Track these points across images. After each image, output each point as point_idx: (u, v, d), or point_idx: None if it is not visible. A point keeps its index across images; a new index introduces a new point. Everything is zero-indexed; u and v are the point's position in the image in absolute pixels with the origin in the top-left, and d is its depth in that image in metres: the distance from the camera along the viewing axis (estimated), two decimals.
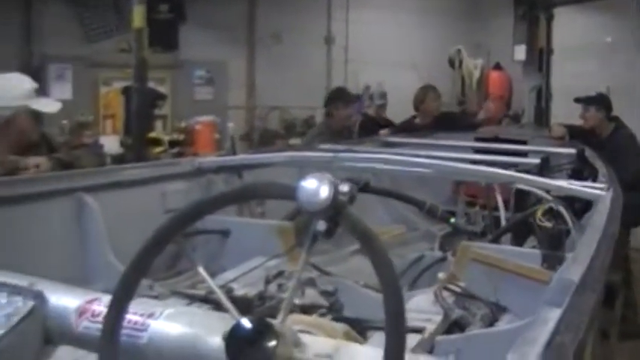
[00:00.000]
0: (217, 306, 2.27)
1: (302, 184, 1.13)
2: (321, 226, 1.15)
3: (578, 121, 6.84)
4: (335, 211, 1.13)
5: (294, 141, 10.09)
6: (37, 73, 9.12)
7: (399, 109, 9.16)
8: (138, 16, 6.30)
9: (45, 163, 3.67)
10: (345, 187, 1.15)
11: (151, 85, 8.04)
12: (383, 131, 6.88)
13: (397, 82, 11.50)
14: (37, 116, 3.80)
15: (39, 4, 10.46)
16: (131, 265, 1.30)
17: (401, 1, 12.69)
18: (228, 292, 2.37)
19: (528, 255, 2.86)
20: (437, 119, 7.49)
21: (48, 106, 3.84)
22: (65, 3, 10.74)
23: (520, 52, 9.73)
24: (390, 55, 12.14)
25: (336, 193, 1.12)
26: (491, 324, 2.57)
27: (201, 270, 1.29)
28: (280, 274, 2.70)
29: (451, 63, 12.27)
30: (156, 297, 2.44)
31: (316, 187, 1.12)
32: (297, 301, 2.24)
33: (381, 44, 12.29)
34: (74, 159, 3.80)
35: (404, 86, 10.39)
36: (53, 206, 3.15)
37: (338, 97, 7.29)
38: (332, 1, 12.51)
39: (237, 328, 1.22)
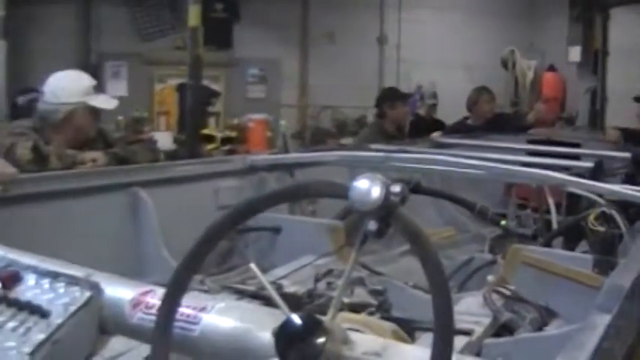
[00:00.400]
0: (267, 302, 2.30)
1: (354, 183, 1.14)
2: (372, 226, 1.16)
3: (633, 125, 6.73)
4: (386, 212, 1.14)
5: (345, 140, 10.07)
6: (94, 70, 9.29)
7: (451, 110, 9.12)
8: (193, 15, 6.38)
9: (101, 157, 3.73)
10: (396, 188, 1.16)
11: (205, 82, 8.12)
12: (435, 134, 6.85)
13: (449, 83, 11.45)
14: (95, 112, 3.85)
15: (97, 3, 10.64)
16: (185, 259, 1.33)
17: (454, 0, 12.62)
18: (278, 289, 2.39)
19: (579, 259, 2.83)
20: (489, 121, 7.43)
21: (105, 102, 3.90)
22: (122, 3, 10.91)
23: (575, 54, 9.61)
24: (443, 55, 12.08)
25: (387, 193, 1.13)
26: (540, 328, 2.55)
27: (253, 266, 1.31)
28: (330, 272, 2.72)
29: (504, 64, 12.16)
30: (207, 292, 2.48)
31: (368, 187, 1.13)
32: (346, 300, 2.26)
33: (434, 44, 12.23)
34: (130, 154, 3.86)
35: (456, 87, 10.34)
36: (109, 200, 3.21)
37: (390, 96, 7.28)
38: (385, 1, 12.49)
39: (287, 324, 1.24)
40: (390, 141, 5.78)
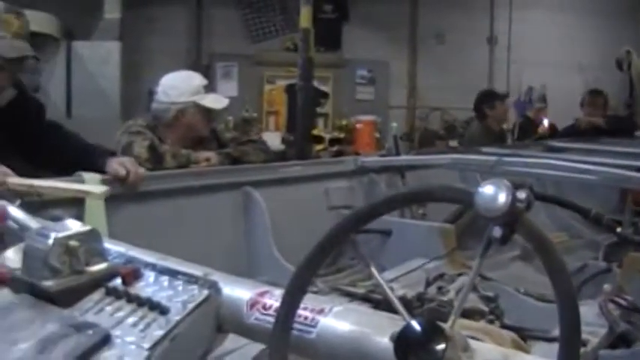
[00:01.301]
0: (376, 305, 2.30)
1: (480, 189, 1.12)
2: (497, 232, 1.14)
3: None
4: (512, 218, 1.12)
5: (454, 142, 10.01)
6: (205, 71, 9.48)
7: (563, 112, 8.92)
8: (305, 17, 6.41)
9: (215, 157, 3.79)
10: (522, 194, 1.14)
11: (314, 83, 8.16)
12: (541, 127, 6.72)
13: (561, 84, 11.19)
14: (206, 112, 3.91)
15: (208, 5, 10.86)
16: (305, 261, 1.33)
17: (567, 0, 12.33)
18: (383, 292, 2.38)
19: None
20: (604, 123, 7.25)
21: (215, 102, 3.95)
22: (232, 4, 11.10)
23: None
24: (555, 56, 11.81)
25: (513, 199, 1.11)
26: None
27: (373, 270, 1.30)
28: (441, 276, 2.70)
29: (619, 65, 11.78)
30: (316, 293, 2.48)
31: (494, 193, 1.11)
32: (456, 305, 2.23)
33: (545, 45, 11.96)
34: (242, 154, 3.91)
35: (568, 88, 10.11)
36: (221, 199, 3.27)
37: (488, 97, 7.25)
38: (495, 1, 12.31)
39: (407, 330, 1.22)
40: (494, 141, 5.70)
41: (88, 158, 3.03)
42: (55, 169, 3.01)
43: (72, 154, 3.13)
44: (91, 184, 2.72)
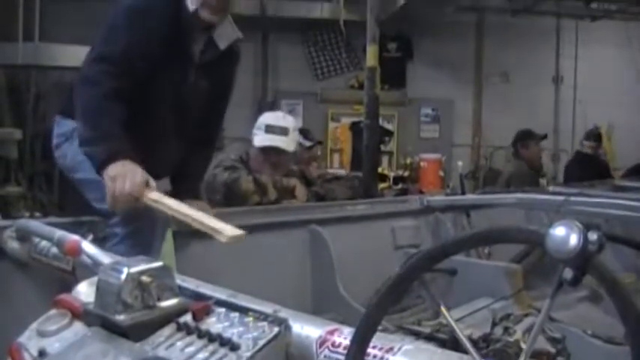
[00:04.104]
0: (443, 344, 2.29)
1: (551, 230, 1.12)
2: (568, 274, 1.15)
3: None
4: (583, 260, 1.12)
5: None
6: (271, 107, 9.61)
7: (630, 151, 8.81)
8: (371, 56, 6.47)
9: (299, 185, 3.95)
10: (594, 236, 1.14)
11: (379, 121, 8.21)
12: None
13: (629, 122, 11.05)
14: (265, 150, 4.03)
15: (274, 43, 11.01)
16: (377, 299, 1.34)
17: (635, 37, 12.18)
18: (453, 332, 2.37)
19: None
20: None
21: (265, 141, 4.04)
22: (298, 42, 11.24)
23: None
24: (621, 94, 11.67)
25: (585, 241, 1.11)
26: None
27: (443, 309, 1.31)
28: (507, 316, 2.67)
29: None
30: (382, 331, 2.48)
31: (565, 235, 1.11)
32: (523, 345, 2.21)
33: (612, 82, 11.82)
34: (329, 191, 4.00)
35: (635, 127, 9.95)
36: (289, 236, 3.30)
37: (523, 136, 7.27)
38: (561, 38, 12.23)
39: None
40: (527, 180, 5.69)
41: (183, 182, 3.00)
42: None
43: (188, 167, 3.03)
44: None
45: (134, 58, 2.59)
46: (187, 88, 2.81)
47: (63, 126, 2.76)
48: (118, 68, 2.56)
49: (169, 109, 2.80)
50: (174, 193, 2.73)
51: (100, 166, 2.45)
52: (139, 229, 2.55)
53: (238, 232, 2.24)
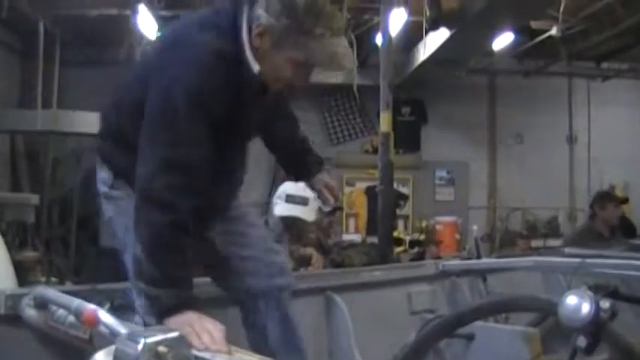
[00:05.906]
0: None
1: (563, 299, 1.13)
2: (582, 341, 1.15)
3: None
4: (596, 328, 1.13)
5: (536, 242, 9.86)
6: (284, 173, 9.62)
7: None
8: (385, 121, 6.53)
9: (316, 253, 4.02)
10: (606, 304, 1.15)
11: (394, 185, 8.24)
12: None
13: None
14: (283, 219, 4.12)
15: None
16: None
17: None
18: None
19: None
20: None
21: (281, 210, 4.11)
22: (312, 108, 11.33)
23: None
24: (636, 153, 11.66)
25: (597, 309, 1.12)
26: None
27: None
28: None
29: None
30: None
31: (577, 304, 1.12)
32: None
33: (626, 142, 11.83)
34: (345, 258, 4.03)
35: None
36: (304, 303, 3.29)
37: (601, 197, 7.17)
38: (573, 99, 12.29)
39: None
40: (600, 241, 5.64)
41: (303, 158, 3.02)
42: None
43: (292, 148, 3.03)
44: None
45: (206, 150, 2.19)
46: (247, 124, 2.49)
47: (102, 171, 2.44)
48: (195, 179, 2.16)
49: (235, 148, 2.53)
50: (303, 174, 2.92)
51: (164, 313, 2.11)
52: None
53: None
